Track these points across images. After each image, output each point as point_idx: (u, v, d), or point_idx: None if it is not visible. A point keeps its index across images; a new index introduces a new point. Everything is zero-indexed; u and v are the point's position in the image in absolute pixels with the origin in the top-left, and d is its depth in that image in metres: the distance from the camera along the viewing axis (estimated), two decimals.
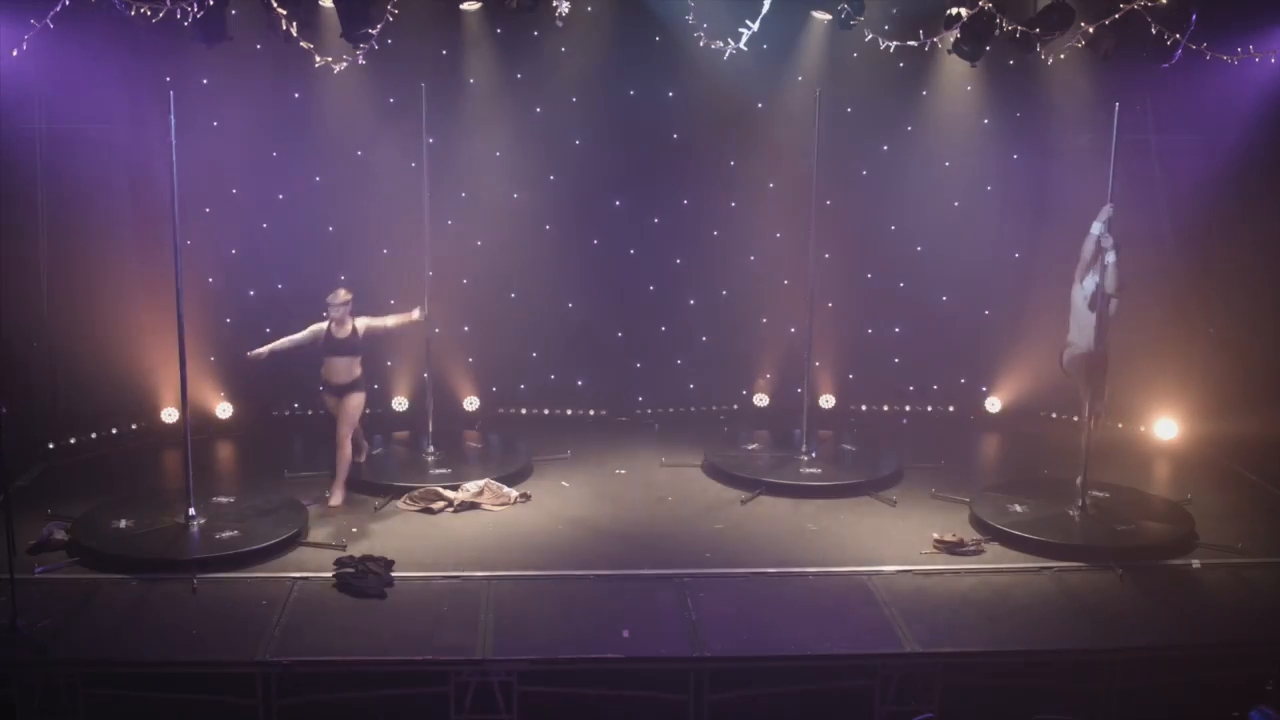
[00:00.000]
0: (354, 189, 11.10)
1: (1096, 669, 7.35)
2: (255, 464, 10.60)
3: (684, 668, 7.21)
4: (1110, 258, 8.65)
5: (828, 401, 11.86)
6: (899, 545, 8.82)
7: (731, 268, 11.75)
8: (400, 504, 9.50)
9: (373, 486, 9.76)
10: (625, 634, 7.44)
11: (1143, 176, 10.53)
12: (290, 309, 11.28)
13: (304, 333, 9.35)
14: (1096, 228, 8.76)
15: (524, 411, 11.85)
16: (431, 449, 10.35)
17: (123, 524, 8.75)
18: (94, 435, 10.79)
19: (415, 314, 9.70)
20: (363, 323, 9.38)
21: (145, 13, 8.40)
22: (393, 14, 8.76)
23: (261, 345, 9.28)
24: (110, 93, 10.19)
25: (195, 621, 7.56)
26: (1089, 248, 8.82)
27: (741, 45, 8.76)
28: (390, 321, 9.60)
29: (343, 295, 9.30)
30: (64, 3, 8.16)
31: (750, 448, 10.75)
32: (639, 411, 11.88)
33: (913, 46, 9.19)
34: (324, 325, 9.30)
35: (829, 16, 9.77)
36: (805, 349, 10.57)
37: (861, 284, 11.73)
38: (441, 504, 9.44)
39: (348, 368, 9.38)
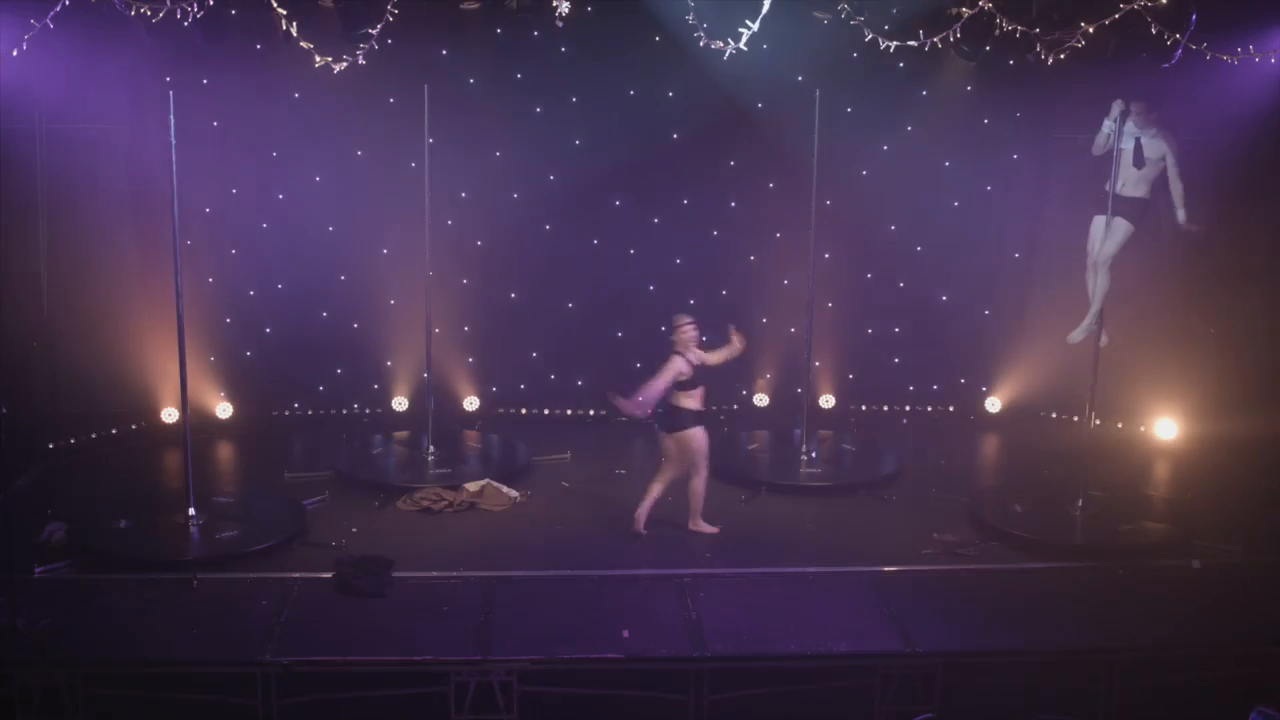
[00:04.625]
0: (354, 189, 11.10)
1: (1096, 669, 7.35)
2: (255, 464, 10.60)
3: (684, 668, 7.22)
4: (1152, 131, 8.94)
5: (828, 401, 11.86)
6: (899, 545, 8.82)
7: (731, 268, 11.74)
8: (400, 504, 9.50)
9: (373, 486, 9.77)
10: (625, 634, 7.44)
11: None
12: (290, 309, 11.33)
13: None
14: (1107, 125, 8.93)
15: (524, 411, 11.85)
16: (431, 449, 10.35)
17: (123, 524, 8.75)
18: (94, 435, 10.79)
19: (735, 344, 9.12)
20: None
21: (145, 13, 8.38)
22: (393, 14, 8.75)
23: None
24: (110, 93, 10.19)
25: (195, 621, 7.56)
26: (1100, 142, 9.07)
27: (741, 45, 8.75)
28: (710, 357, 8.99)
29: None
30: (64, 3, 8.15)
31: (750, 448, 10.75)
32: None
33: (913, 46, 9.19)
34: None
35: (829, 16, 9.77)
36: (805, 349, 10.57)
37: (861, 284, 11.73)
38: (442, 504, 9.44)
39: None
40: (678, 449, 8.89)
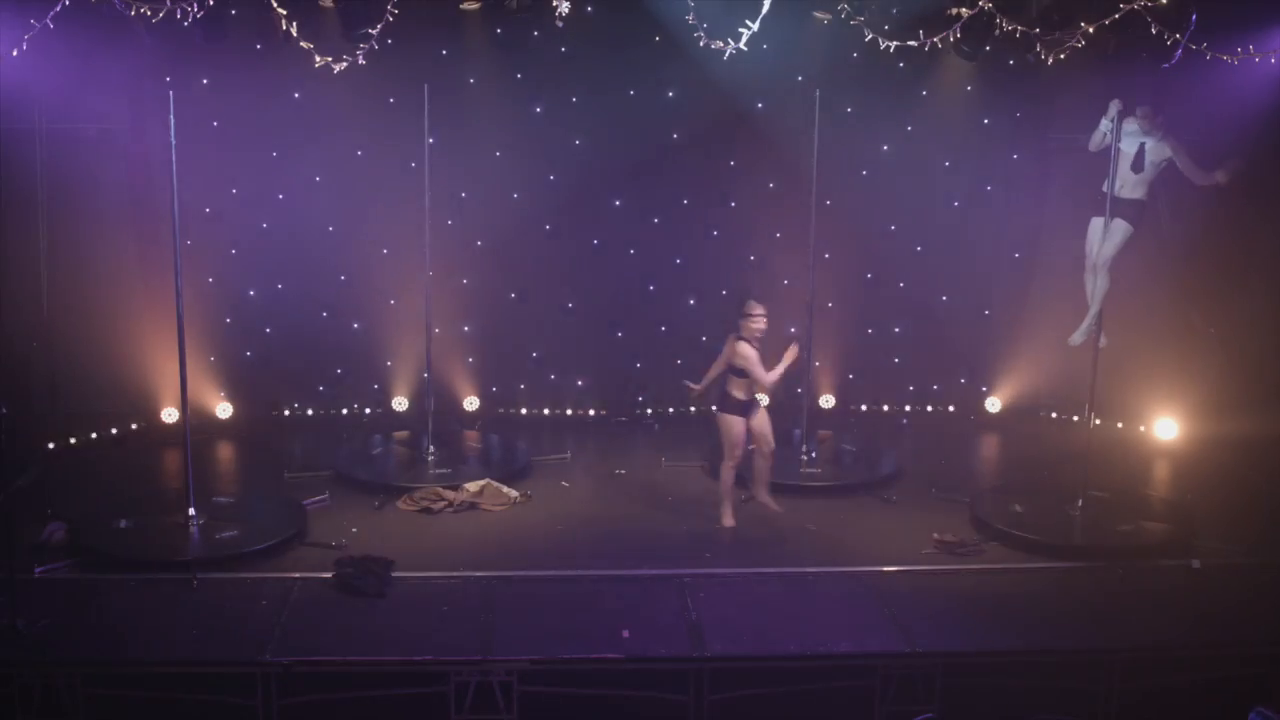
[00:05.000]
0: (354, 189, 11.10)
1: (1096, 669, 7.35)
2: (255, 464, 10.59)
3: (684, 668, 7.21)
4: (1158, 135, 9.05)
5: (828, 401, 11.86)
6: (899, 545, 8.82)
7: (731, 268, 11.74)
8: (400, 504, 9.50)
9: (373, 486, 9.77)
10: (625, 634, 7.44)
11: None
12: (290, 309, 11.33)
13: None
14: (1104, 124, 8.99)
15: (524, 411, 11.85)
16: (431, 449, 10.35)
17: (123, 524, 8.75)
18: (94, 435, 10.79)
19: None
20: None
21: (145, 13, 8.39)
22: (393, 14, 8.75)
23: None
24: (110, 93, 10.20)
25: (195, 621, 7.56)
26: (1096, 139, 9.15)
27: (741, 45, 8.75)
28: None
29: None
30: (64, 3, 8.15)
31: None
32: (639, 411, 11.88)
33: (913, 46, 9.20)
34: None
35: (829, 16, 9.79)
36: (805, 349, 10.56)
37: (861, 284, 11.73)
38: (441, 504, 9.44)
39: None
40: (720, 430, 8.98)
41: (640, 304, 11.77)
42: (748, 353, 8.73)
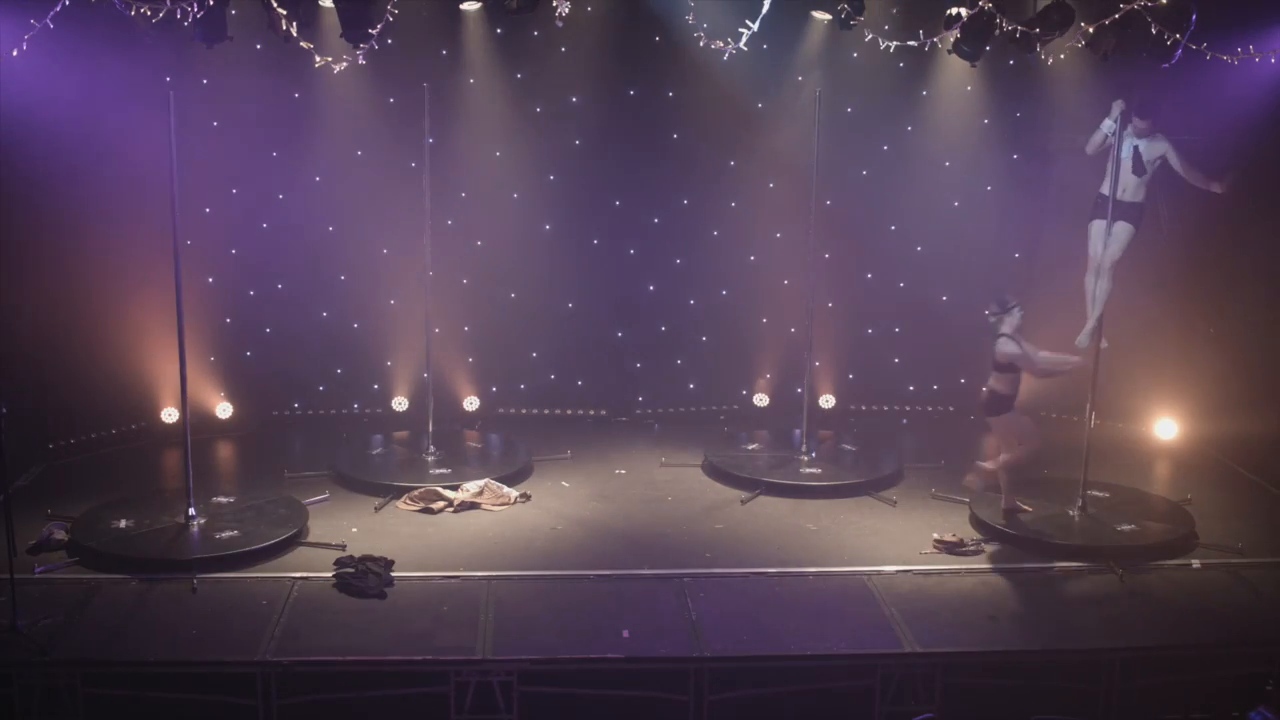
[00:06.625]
0: (354, 189, 11.09)
1: (1096, 669, 7.36)
2: (255, 464, 10.59)
3: (684, 668, 7.22)
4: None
5: (828, 401, 11.86)
6: (899, 545, 8.83)
7: (731, 268, 11.74)
8: (400, 504, 9.50)
9: (373, 486, 9.77)
10: (625, 634, 7.44)
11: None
12: (290, 309, 11.33)
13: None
14: (1107, 125, 9.00)
15: (524, 411, 11.85)
16: (431, 449, 10.35)
17: (123, 524, 8.75)
18: (94, 435, 10.79)
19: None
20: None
21: (145, 12, 8.39)
22: (393, 14, 8.76)
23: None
24: (110, 93, 10.18)
25: (195, 621, 7.56)
26: (1096, 141, 9.16)
27: (741, 45, 8.76)
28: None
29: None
30: (64, 3, 8.15)
31: (750, 448, 10.75)
32: (639, 411, 11.87)
33: (913, 46, 9.20)
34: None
35: (829, 16, 9.79)
36: (805, 349, 10.57)
37: (861, 284, 11.73)
38: (441, 504, 9.44)
39: None
40: (996, 431, 9.00)
41: (640, 304, 11.76)
42: (1011, 350, 8.71)
